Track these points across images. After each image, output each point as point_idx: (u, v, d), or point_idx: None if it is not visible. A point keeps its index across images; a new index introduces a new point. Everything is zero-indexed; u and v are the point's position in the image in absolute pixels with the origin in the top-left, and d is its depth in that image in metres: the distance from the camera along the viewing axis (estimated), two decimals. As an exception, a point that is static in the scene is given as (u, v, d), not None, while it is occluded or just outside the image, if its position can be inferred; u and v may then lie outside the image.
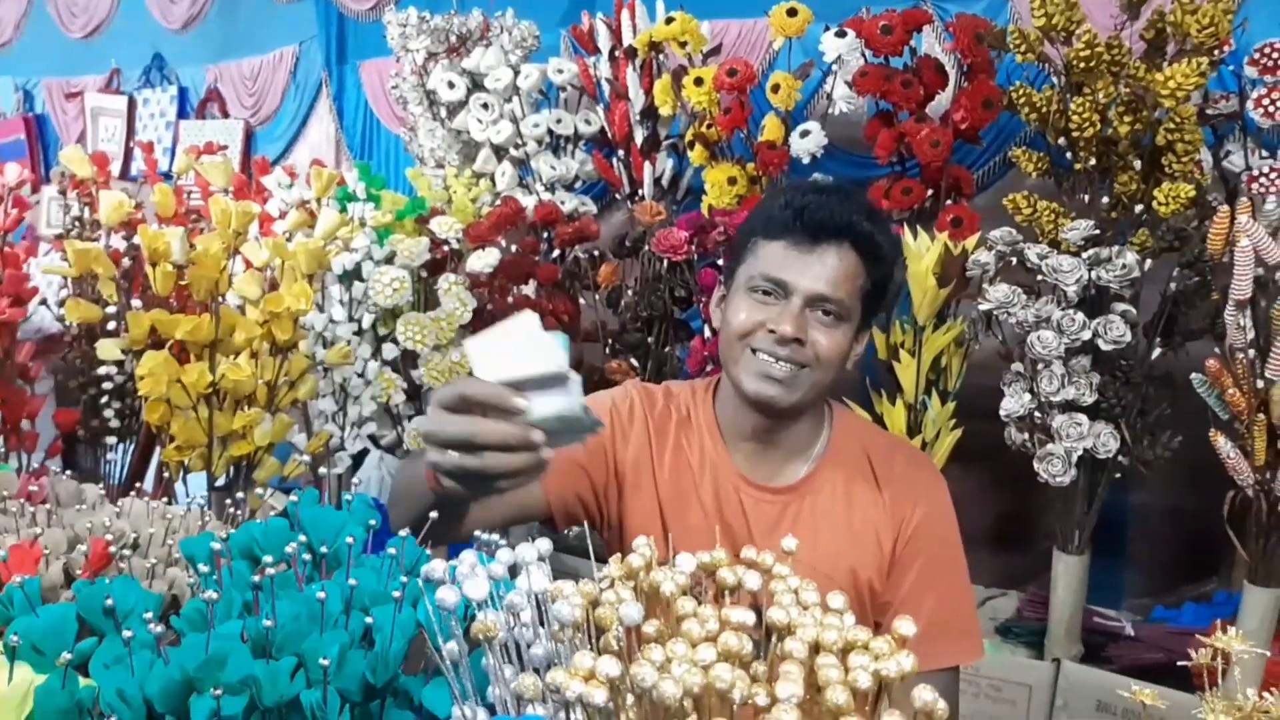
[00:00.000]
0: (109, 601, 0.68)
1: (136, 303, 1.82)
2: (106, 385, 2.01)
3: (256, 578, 0.72)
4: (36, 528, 0.93)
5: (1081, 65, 1.91)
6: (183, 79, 4.42)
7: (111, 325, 1.88)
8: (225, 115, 4.23)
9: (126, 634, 0.65)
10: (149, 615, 0.70)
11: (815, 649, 0.55)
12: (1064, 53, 1.96)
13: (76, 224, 2.09)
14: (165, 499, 1.57)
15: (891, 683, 0.51)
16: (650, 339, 2.52)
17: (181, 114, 4.38)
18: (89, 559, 0.87)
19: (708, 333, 2.31)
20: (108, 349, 1.75)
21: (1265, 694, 0.78)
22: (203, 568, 0.81)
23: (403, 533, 0.84)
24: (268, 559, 0.79)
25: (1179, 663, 0.90)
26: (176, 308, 1.79)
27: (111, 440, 2.12)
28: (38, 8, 4.97)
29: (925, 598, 1.27)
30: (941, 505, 1.31)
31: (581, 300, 2.75)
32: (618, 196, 2.85)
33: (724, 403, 1.32)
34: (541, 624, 0.62)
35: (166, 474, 2.44)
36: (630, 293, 2.58)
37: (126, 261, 1.89)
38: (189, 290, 1.77)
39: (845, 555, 1.26)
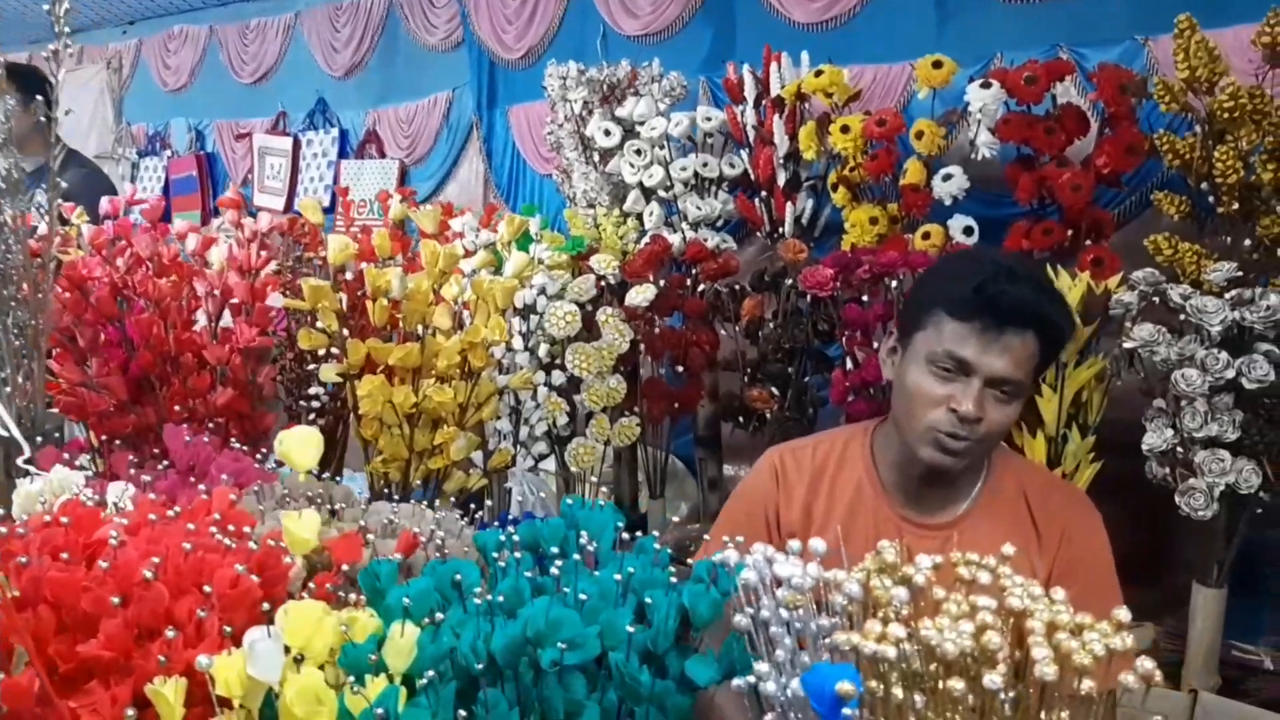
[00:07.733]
0: (458, 577, 0.86)
1: (343, 331, 2.05)
2: (314, 404, 2.28)
3: (559, 562, 0.90)
4: (344, 523, 1.14)
5: (1225, 115, 1.99)
6: (344, 121, 4.77)
7: (320, 352, 2.12)
8: (382, 155, 4.54)
9: (476, 601, 0.84)
10: (479, 589, 0.88)
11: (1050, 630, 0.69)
12: (1206, 102, 2.04)
13: (297, 262, 2.37)
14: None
15: (1119, 655, 0.65)
16: (790, 369, 2.67)
17: (342, 154, 4.71)
18: (398, 546, 1.07)
19: (849, 364, 2.45)
20: (328, 373, 1.99)
21: None
22: (497, 557, 1.00)
23: (654, 532, 1.01)
24: (554, 549, 0.98)
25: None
26: (385, 337, 2.02)
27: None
28: (211, 55, 5.41)
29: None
30: (1096, 538, 1.41)
31: (721, 331, 2.92)
32: (758, 234, 3.02)
33: (885, 448, 1.42)
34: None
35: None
36: (771, 325, 2.73)
37: (340, 296, 2.13)
38: (397, 322, 2.00)
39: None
